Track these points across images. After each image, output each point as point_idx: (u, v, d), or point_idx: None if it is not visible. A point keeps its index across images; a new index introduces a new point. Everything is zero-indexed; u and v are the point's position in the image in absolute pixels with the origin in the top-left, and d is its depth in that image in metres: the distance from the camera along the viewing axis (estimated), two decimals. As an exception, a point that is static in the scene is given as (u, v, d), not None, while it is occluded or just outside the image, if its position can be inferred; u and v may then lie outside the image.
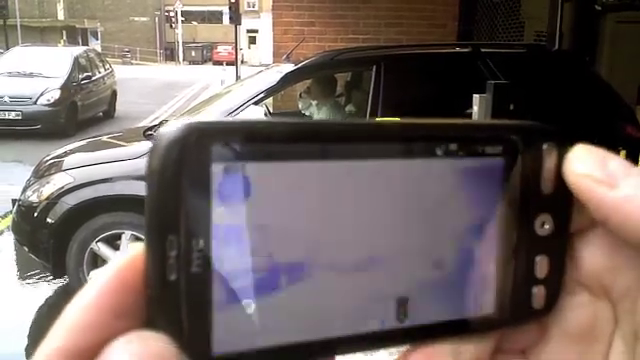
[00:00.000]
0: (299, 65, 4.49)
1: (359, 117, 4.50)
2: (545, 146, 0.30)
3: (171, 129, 0.24)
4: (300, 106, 5.42)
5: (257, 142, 0.26)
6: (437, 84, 4.30)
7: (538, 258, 0.31)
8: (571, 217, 0.31)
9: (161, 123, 4.96)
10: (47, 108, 10.75)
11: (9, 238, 5.31)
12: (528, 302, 0.31)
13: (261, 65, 17.01)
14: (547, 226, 0.31)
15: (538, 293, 0.31)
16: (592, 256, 0.31)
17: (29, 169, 4.89)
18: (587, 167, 0.29)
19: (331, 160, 0.27)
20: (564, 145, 0.31)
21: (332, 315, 0.28)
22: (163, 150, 0.24)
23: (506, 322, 0.31)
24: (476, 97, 3.36)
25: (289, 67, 4.52)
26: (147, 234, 0.25)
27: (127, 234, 3.92)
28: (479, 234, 0.30)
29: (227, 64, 22.47)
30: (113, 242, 3.97)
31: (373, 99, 4.15)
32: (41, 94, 10.83)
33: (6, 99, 10.67)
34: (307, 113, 5.17)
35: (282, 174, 0.26)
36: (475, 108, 3.37)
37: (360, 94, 4.82)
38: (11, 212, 4.71)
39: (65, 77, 11.42)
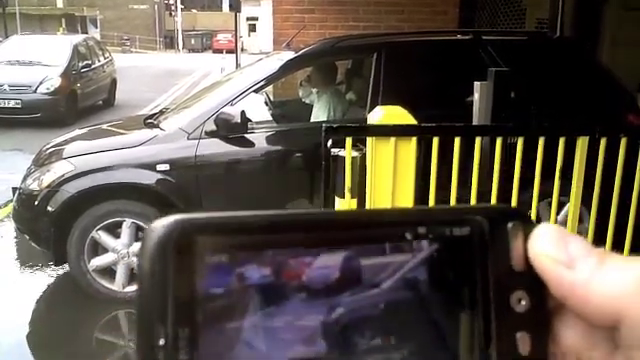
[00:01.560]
0: (299, 53, 4.47)
1: (360, 104, 4.49)
2: (510, 225, 0.32)
3: (158, 225, 0.27)
4: (300, 94, 5.41)
5: (237, 234, 0.28)
6: (438, 71, 4.28)
7: (519, 335, 0.31)
8: (546, 293, 0.31)
9: (161, 111, 4.95)
10: (47, 97, 10.70)
11: (10, 226, 5.31)
12: None
13: (261, 53, 16.93)
14: (524, 302, 0.31)
15: None
16: (571, 332, 0.31)
17: (29, 158, 4.88)
18: (548, 247, 0.30)
19: (308, 248, 0.29)
20: (529, 224, 0.32)
21: None
22: (151, 245, 0.26)
23: None
24: (477, 84, 3.34)
25: (289, 55, 4.50)
26: (137, 323, 0.26)
27: (128, 222, 3.93)
28: (455, 313, 0.32)
29: (227, 52, 22.39)
30: (114, 230, 3.98)
31: (374, 86, 4.14)
32: (41, 82, 10.79)
33: (6, 87, 10.63)
34: (307, 101, 5.16)
35: (263, 263, 0.28)
36: (476, 95, 3.36)
37: (361, 81, 4.81)
38: (12, 200, 4.71)
39: (65, 65, 11.37)
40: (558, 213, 3.37)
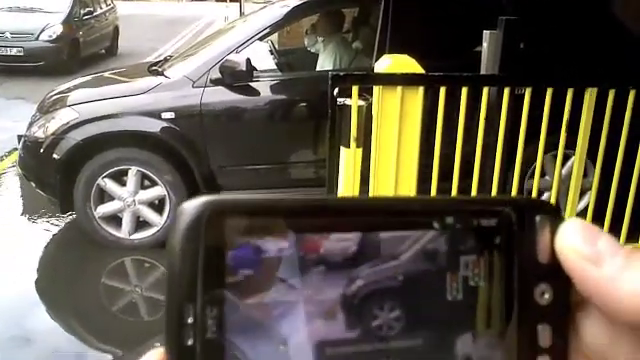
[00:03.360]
0: (305, 0, 4.38)
1: (367, 53, 4.43)
2: (538, 218, 0.32)
3: (189, 206, 0.28)
4: (306, 43, 5.33)
5: (266, 217, 0.29)
6: (446, 20, 4.20)
7: (540, 327, 0.32)
8: (571, 288, 0.31)
9: (166, 59, 4.90)
10: (49, 44, 10.57)
11: (15, 174, 5.34)
12: None
13: (265, 2, 16.61)
14: (547, 295, 0.32)
15: None
16: (593, 329, 0.31)
17: (32, 106, 4.86)
18: (575, 242, 0.30)
19: (336, 233, 0.30)
20: (557, 218, 0.32)
21: None
22: (182, 226, 0.27)
23: None
24: (486, 33, 3.28)
25: (295, 2, 4.42)
26: (167, 301, 0.27)
27: (133, 170, 3.94)
28: (478, 303, 0.32)
29: (230, 0, 21.95)
30: (120, 178, 3.99)
31: (381, 35, 4.08)
32: (42, 30, 10.63)
33: (7, 35, 10.49)
34: (313, 50, 5.09)
35: (291, 247, 0.29)
36: (485, 45, 3.31)
37: (368, 30, 4.73)
38: (17, 148, 4.72)
39: (66, 12, 11.18)
40: (563, 166, 3.36)
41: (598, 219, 3.26)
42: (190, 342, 0.27)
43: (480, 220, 0.32)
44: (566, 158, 3.38)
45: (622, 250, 0.30)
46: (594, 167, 3.25)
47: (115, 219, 4.07)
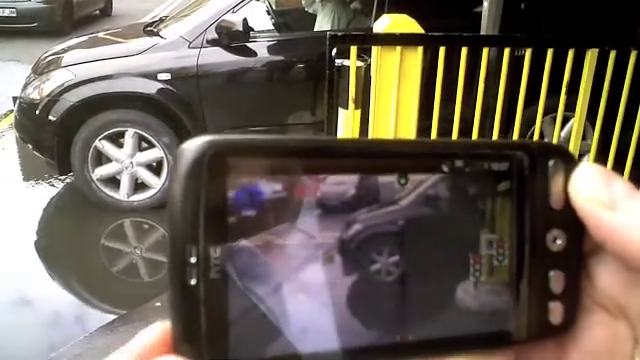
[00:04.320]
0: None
1: (365, 14, 4.37)
2: (551, 163, 0.31)
3: (191, 145, 0.27)
4: (304, 3, 5.25)
5: (271, 157, 0.28)
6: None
7: (552, 273, 0.31)
8: (584, 234, 0.30)
9: (161, 19, 4.82)
10: (42, 5, 10.39)
11: (10, 136, 5.31)
12: (545, 317, 0.31)
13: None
14: (559, 241, 0.31)
15: (555, 308, 0.31)
16: (607, 275, 0.30)
17: (27, 68, 4.80)
18: (590, 187, 0.29)
19: (341, 174, 0.29)
20: (571, 162, 0.31)
21: (343, 327, 0.29)
22: (184, 165, 0.26)
23: (524, 338, 0.31)
24: (487, -7, 3.24)
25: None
26: (169, 241, 0.27)
27: (130, 132, 3.92)
28: (489, 248, 0.31)
29: (226, -40, 21.49)
30: (117, 140, 3.97)
31: (380, -5, 4.01)
32: (35, -10, 10.45)
33: (-1, -5, 10.32)
34: (311, 10, 5.02)
35: (294, 187, 0.28)
36: (485, 4, 3.26)
37: (366, -10, 4.64)
38: (12, 111, 4.68)
39: (59, -28, 10.96)
40: (562, 128, 3.35)
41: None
42: (193, 281, 0.26)
43: (491, 164, 0.31)
44: (565, 120, 3.37)
45: (638, 195, 0.29)
46: (592, 130, 3.23)
47: (113, 181, 4.07)
